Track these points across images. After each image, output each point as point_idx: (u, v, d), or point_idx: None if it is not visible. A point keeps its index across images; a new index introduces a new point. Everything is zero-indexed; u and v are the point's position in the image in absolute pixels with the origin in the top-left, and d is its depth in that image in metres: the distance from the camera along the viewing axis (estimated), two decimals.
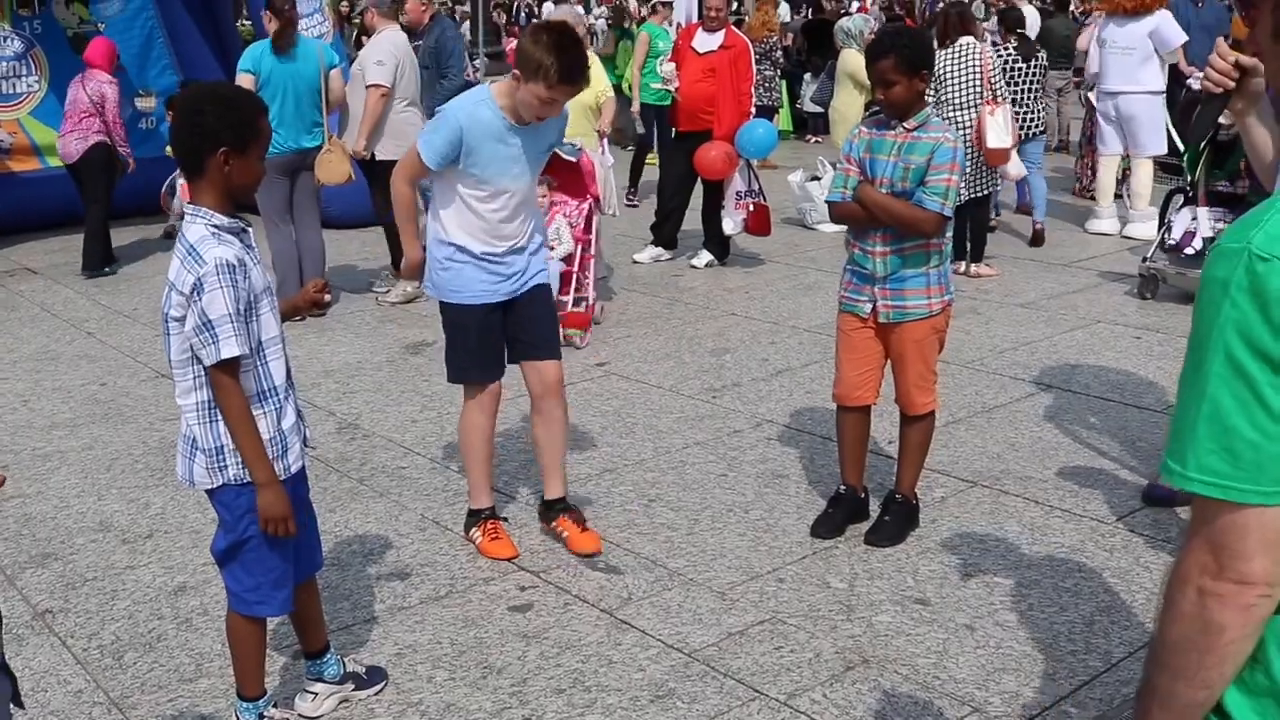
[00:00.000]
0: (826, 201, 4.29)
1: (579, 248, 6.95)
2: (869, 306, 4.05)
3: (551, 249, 6.21)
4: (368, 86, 7.36)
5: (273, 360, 2.88)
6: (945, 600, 3.74)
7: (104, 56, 8.70)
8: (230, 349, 2.70)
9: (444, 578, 3.96)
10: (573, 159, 6.87)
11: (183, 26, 10.86)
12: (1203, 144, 3.52)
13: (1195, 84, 7.50)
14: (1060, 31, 12.25)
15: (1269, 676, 1.31)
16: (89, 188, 8.49)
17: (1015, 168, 8.27)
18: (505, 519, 4.29)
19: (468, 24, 21.87)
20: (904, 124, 3.95)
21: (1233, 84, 2.85)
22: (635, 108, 10.82)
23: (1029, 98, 8.72)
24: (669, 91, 8.76)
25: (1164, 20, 8.75)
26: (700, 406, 5.63)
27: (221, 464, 2.84)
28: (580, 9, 9.25)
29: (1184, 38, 8.82)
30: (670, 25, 11.27)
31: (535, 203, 4.14)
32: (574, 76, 3.68)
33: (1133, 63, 8.85)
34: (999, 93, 7.74)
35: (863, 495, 4.33)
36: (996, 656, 3.42)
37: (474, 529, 4.19)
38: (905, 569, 3.95)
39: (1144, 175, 9.07)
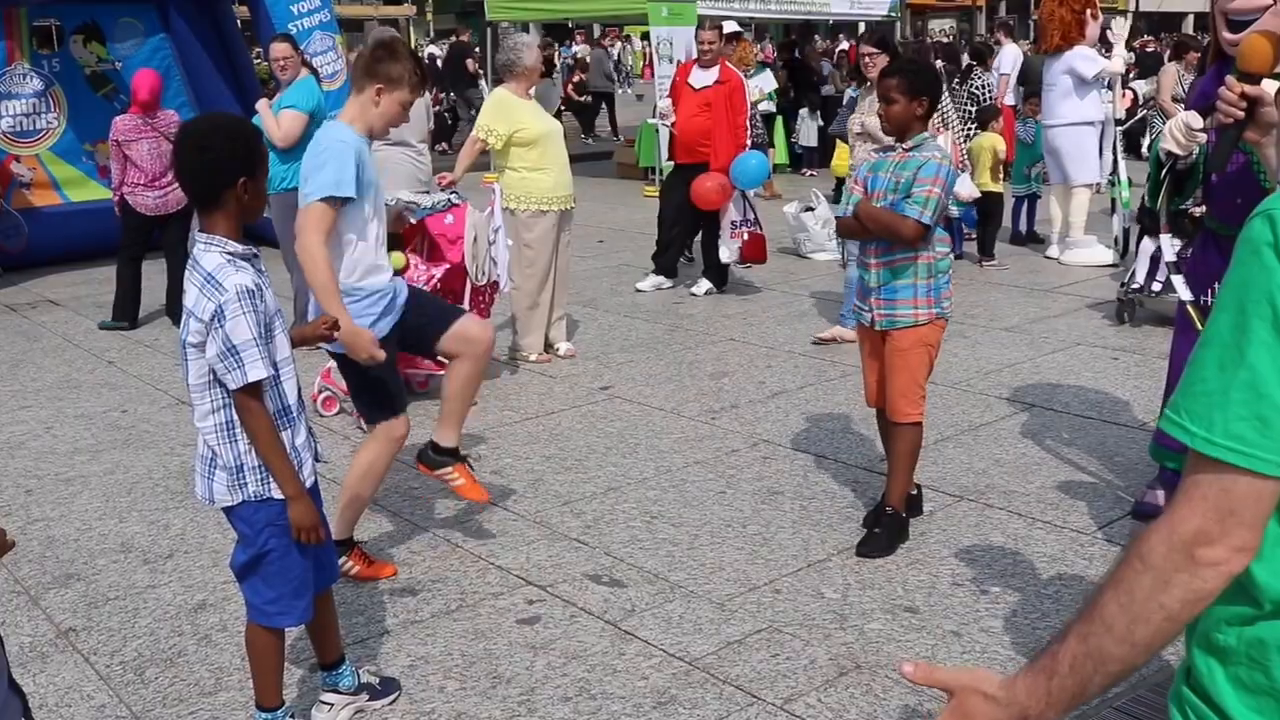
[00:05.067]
0: (835, 219, 4.63)
1: None
2: (870, 316, 4.33)
3: None
4: None
5: (286, 380, 2.97)
6: (933, 608, 3.89)
7: (158, 92, 8.16)
8: (257, 372, 2.80)
9: (454, 592, 4.09)
10: (413, 220, 6.25)
11: (199, 63, 11.07)
12: (1162, 174, 3.69)
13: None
14: (1040, 68, 12.52)
15: (1269, 677, 1.30)
16: (178, 232, 8.12)
17: (964, 188, 8.68)
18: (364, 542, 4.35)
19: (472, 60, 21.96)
20: (902, 145, 4.25)
21: (1242, 114, 3.01)
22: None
23: None
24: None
25: (1075, 55, 9.07)
26: (700, 427, 5.80)
27: (241, 481, 2.92)
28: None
29: (1097, 68, 9.08)
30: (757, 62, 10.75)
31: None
32: (424, 81, 4.19)
33: (1054, 97, 9.28)
34: (947, 121, 8.17)
35: (914, 491, 4.55)
36: (982, 661, 3.55)
37: (346, 559, 4.10)
38: (895, 579, 4.11)
39: (1076, 205, 9.37)
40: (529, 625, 3.86)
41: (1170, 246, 3.63)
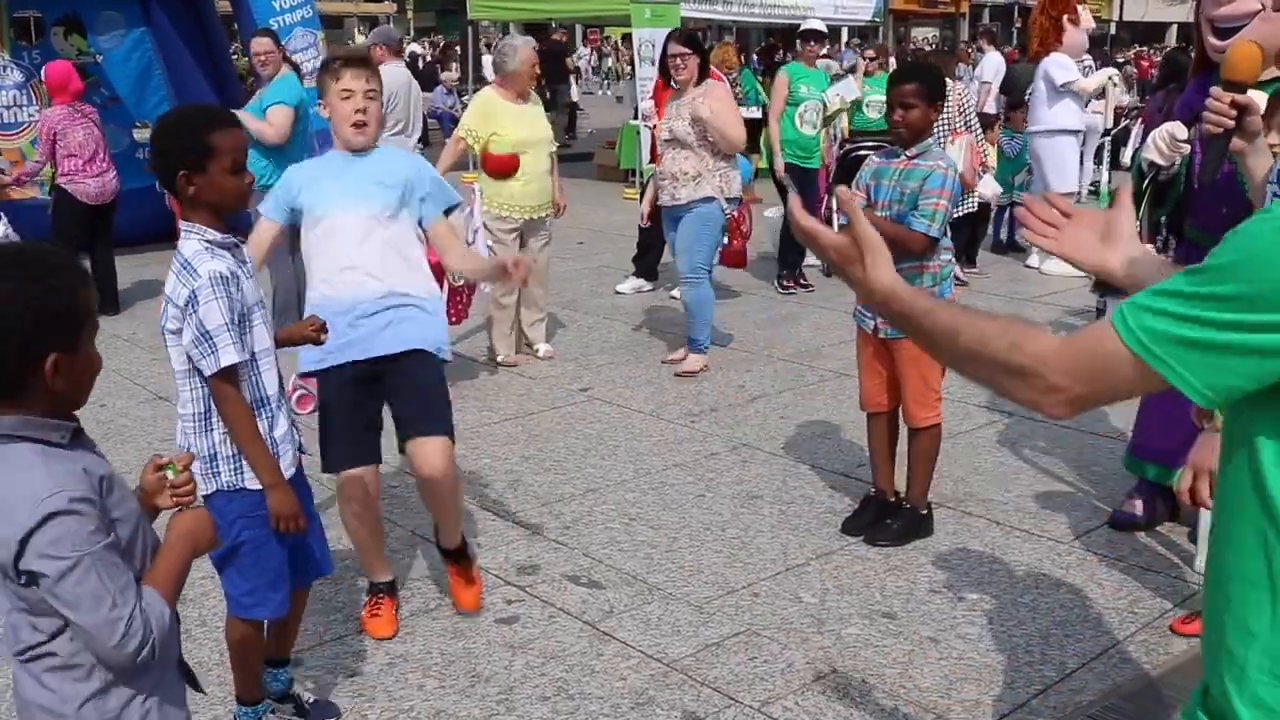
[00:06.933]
0: (840, 225, 4.61)
1: None
2: (872, 323, 4.36)
3: None
4: None
5: (265, 371, 2.96)
6: (910, 614, 3.92)
7: (78, 80, 8.29)
8: (230, 356, 2.79)
9: (434, 591, 4.10)
10: None
11: (179, 58, 11.01)
12: (1145, 183, 3.73)
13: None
14: (1024, 78, 12.60)
15: None
16: (108, 226, 8.27)
17: (988, 188, 8.89)
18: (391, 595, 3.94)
19: (455, 64, 21.98)
20: (906, 152, 4.27)
21: (1231, 123, 3.03)
22: (779, 166, 8.83)
23: None
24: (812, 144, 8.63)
25: (1050, 61, 9.15)
26: (679, 430, 5.82)
27: (214, 471, 2.92)
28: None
29: (1071, 77, 9.08)
30: (830, 65, 9.96)
31: (403, 249, 3.72)
32: (354, 61, 3.71)
33: (1034, 103, 9.42)
34: (970, 124, 8.33)
35: (893, 499, 4.56)
36: (958, 667, 3.59)
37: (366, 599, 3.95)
38: (873, 585, 4.14)
39: None
40: (508, 625, 3.87)
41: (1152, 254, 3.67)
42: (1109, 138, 9.61)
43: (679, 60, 6.59)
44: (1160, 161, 3.63)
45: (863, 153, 8.32)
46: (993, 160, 9.70)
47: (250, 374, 2.92)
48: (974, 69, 14.43)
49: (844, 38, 18.01)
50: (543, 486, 5.08)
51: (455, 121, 7.59)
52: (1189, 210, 4.12)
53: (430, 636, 3.80)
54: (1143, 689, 3.49)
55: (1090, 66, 10.10)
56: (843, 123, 9.18)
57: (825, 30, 9.91)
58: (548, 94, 20.21)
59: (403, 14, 42.60)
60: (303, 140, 7.39)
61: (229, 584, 3.08)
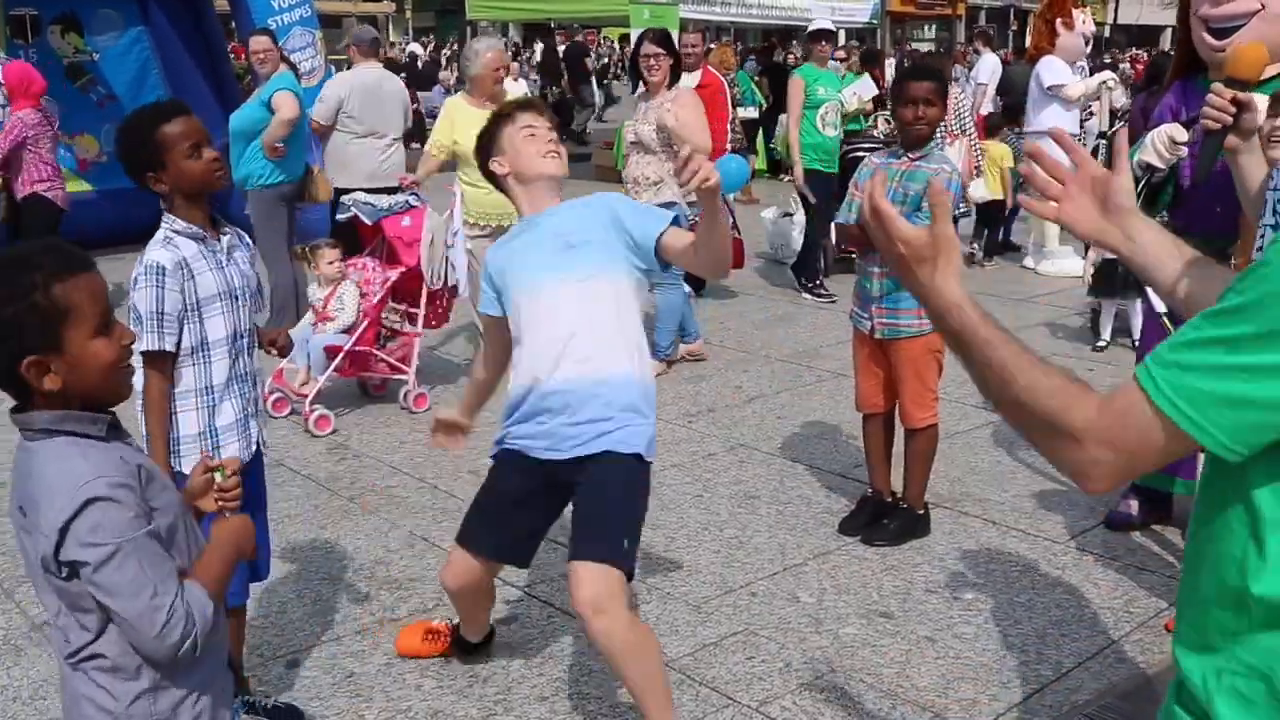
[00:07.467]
0: (835, 225, 4.68)
1: (365, 322, 6.03)
2: (869, 324, 4.36)
3: (329, 319, 5.99)
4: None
5: (216, 360, 2.98)
6: (908, 614, 3.93)
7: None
8: (144, 343, 2.85)
9: (432, 591, 4.09)
10: (369, 220, 6.14)
11: (177, 57, 11.01)
12: (1139, 186, 3.73)
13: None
14: (1020, 80, 12.58)
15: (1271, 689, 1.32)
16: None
17: (978, 192, 8.98)
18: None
19: (454, 65, 21.98)
20: (909, 154, 4.28)
21: (1230, 119, 3.04)
22: (798, 175, 8.48)
23: None
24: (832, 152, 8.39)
25: (1042, 64, 9.11)
26: (677, 430, 5.83)
27: (151, 451, 2.92)
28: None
29: (1059, 80, 8.98)
30: (838, 66, 9.76)
31: (604, 317, 3.13)
32: (528, 105, 3.42)
33: (1028, 105, 9.37)
34: (965, 128, 8.37)
35: (889, 499, 4.58)
36: (955, 666, 3.60)
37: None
38: (870, 585, 4.15)
39: None
40: (506, 625, 3.88)
41: None
42: (1104, 140, 9.60)
43: (652, 61, 6.45)
44: (1159, 164, 3.64)
45: (859, 154, 8.35)
46: (994, 163, 9.73)
47: (197, 361, 2.96)
48: (970, 71, 14.43)
49: (841, 40, 18.04)
50: None
51: None
52: (1182, 211, 4.12)
53: None
54: (1138, 688, 3.50)
55: (1084, 69, 10.09)
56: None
57: (835, 29, 9.81)
58: (568, 94, 20.24)
59: (401, 14, 42.57)
60: (302, 139, 7.40)
61: None
